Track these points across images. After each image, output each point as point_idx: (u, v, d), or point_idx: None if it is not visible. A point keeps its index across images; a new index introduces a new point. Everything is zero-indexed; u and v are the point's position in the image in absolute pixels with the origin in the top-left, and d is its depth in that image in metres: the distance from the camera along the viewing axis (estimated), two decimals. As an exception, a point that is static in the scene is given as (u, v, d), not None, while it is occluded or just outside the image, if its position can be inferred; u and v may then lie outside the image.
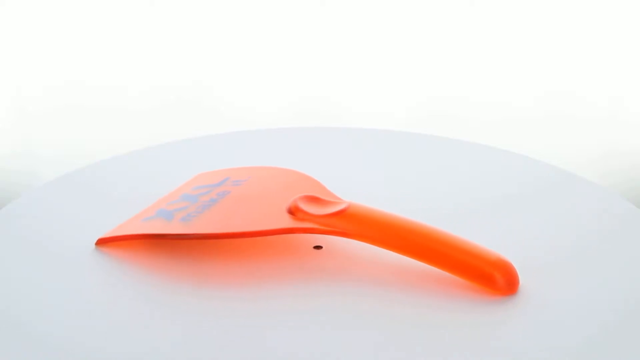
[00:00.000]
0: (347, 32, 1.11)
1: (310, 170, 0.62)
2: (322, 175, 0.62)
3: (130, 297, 0.53)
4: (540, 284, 0.54)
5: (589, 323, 0.51)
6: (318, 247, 0.57)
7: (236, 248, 0.57)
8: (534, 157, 0.68)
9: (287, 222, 0.56)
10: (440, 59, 1.12)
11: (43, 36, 1.10)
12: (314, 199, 0.57)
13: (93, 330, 0.50)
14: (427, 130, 0.86)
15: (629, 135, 1.12)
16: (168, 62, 1.12)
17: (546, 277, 0.55)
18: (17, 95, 1.12)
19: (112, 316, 0.51)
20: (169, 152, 0.69)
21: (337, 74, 1.12)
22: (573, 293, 0.53)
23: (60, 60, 1.11)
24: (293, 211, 0.57)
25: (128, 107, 1.12)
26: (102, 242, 0.57)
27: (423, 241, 0.54)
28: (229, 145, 0.71)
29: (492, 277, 0.53)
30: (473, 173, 0.66)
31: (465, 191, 0.64)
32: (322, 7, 1.10)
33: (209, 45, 1.11)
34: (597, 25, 1.10)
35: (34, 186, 0.65)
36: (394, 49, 1.12)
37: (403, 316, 0.51)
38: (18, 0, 1.09)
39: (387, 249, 0.55)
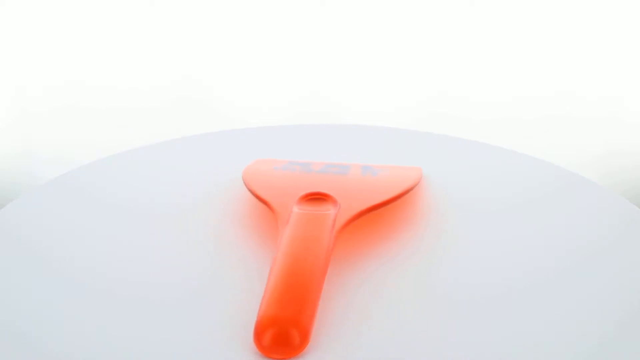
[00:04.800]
0: (348, 32, 1.11)
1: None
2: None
3: (125, 297, 0.53)
4: (540, 284, 0.54)
5: (590, 323, 0.51)
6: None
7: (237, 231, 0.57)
8: (534, 156, 0.68)
9: (272, 199, 0.59)
10: (440, 58, 1.12)
11: (43, 36, 1.10)
12: (322, 197, 0.58)
13: (91, 331, 0.50)
14: (427, 129, 0.86)
15: (629, 136, 1.12)
16: (168, 62, 1.12)
17: (546, 277, 0.55)
18: (17, 95, 1.12)
19: (110, 316, 0.51)
20: (168, 150, 0.69)
21: (338, 73, 1.12)
22: (573, 293, 0.53)
23: (60, 60, 1.11)
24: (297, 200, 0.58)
25: (128, 107, 1.12)
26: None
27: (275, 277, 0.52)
28: (229, 144, 0.70)
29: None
30: (473, 172, 0.66)
31: (465, 190, 0.64)
32: (322, 7, 1.10)
33: (209, 45, 1.11)
34: (597, 25, 1.10)
35: (34, 186, 0.65)
36: (394, 48, 1.12)
37: (401, 314, 0.52)
38: (18, 0, 1.09)
39: None
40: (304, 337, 0.49)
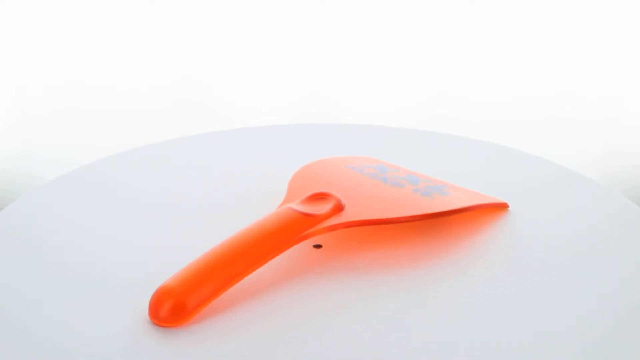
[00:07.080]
0: (348, 32, 1.11)
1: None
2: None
3: (125, 296, 0.53)
4: (539, 282, 0.54)
5: (590, 322, 0.51)
6: (317, 246, 0.57)
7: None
8: (534, 155, 0.68)
9: (292, 190, 0.59)
10: (440, 58, 1.12)
11: (43, 36, 1.10)
12: (327, 199, 0.58)
13: (91, 330, 0.50)
14: (427, 129, 0.86)
15: (629, 136, 1.12)
16: (168, 62, 1.12)
17: (546, 276, 0.55)
18: (17, 95, 1.12)
19: (110, 315, 0.51)
20: (168, 150, 0.69)
21: (338, 73, 1.12)
22: (573, 291, 0.53)
23: (60, 60, 1.11)
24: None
25: (128, 107, 1.12)
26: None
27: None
28: (229, 144, 0.70)
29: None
30: (474, 171, 0.66)
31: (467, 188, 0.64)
32: (322, 7, 1.10)
33: (209, 45, 1.11)
34: (597, 25, 1.10)
35: (34, 187, 0.65)
36: (394, 48, 1.12)
37: (401, 313, 0.52)
38: (18, 0, 1.09)
39: None
40: (187, 308, 0.50)
